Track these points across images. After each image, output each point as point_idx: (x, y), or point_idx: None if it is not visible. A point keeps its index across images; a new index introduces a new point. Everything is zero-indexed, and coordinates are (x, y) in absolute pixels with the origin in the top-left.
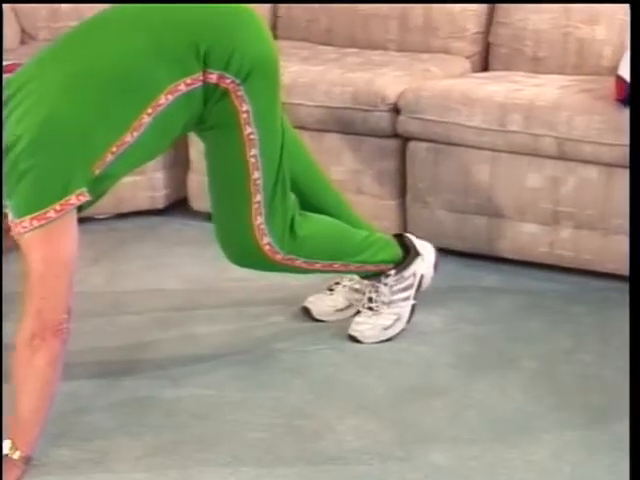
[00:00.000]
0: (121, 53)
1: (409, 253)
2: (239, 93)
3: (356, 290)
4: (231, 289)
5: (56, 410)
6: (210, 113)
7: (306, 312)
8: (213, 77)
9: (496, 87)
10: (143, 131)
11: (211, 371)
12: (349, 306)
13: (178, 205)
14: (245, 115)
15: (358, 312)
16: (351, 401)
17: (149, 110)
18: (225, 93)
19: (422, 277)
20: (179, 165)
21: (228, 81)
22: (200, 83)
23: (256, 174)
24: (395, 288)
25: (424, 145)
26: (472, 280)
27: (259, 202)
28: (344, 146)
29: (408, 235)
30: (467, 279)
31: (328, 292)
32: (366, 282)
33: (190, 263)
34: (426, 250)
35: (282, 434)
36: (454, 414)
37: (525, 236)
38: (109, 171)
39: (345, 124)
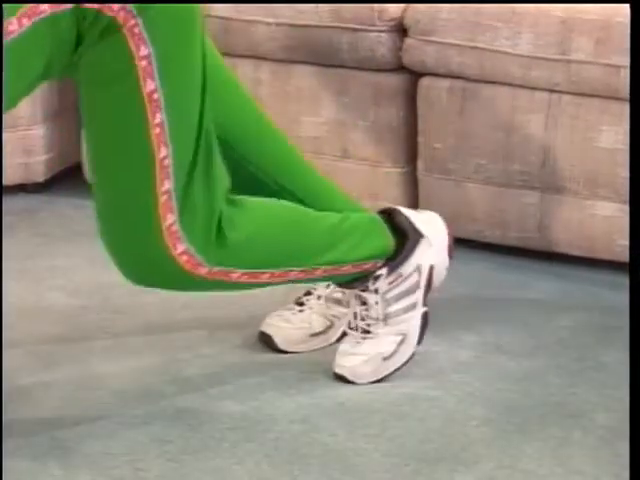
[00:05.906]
0: None
1: (406, 237)
2: (136, 30)
3: (338, 301)
4: (145, 306)
5: None
6: (88, 57)
7: (266, 340)
8: None
9: None
10: None
11: (119, 431)
12: (330, 327)
13: (66, 177)
14: (144, 63)
15: (344, 335)
16: (332, 476)
17: None
18: (112, 27)
19: (432, 269)
20: (68, 116)
21: (116, 8)
22: (71, 6)
23: (163, 151)
24: (391, 294)
25: (444, 83)
26: (515, 289)
27: (168, 193)
28: (322, 85)
29: (401, 209)
30: (507, 287)
31: (297, 308)
32: (348, 290)
33: (84, 266)
34: (433, 227)
35: None
36: None
37: (599, 222)
38: None
39: (323, 53)
